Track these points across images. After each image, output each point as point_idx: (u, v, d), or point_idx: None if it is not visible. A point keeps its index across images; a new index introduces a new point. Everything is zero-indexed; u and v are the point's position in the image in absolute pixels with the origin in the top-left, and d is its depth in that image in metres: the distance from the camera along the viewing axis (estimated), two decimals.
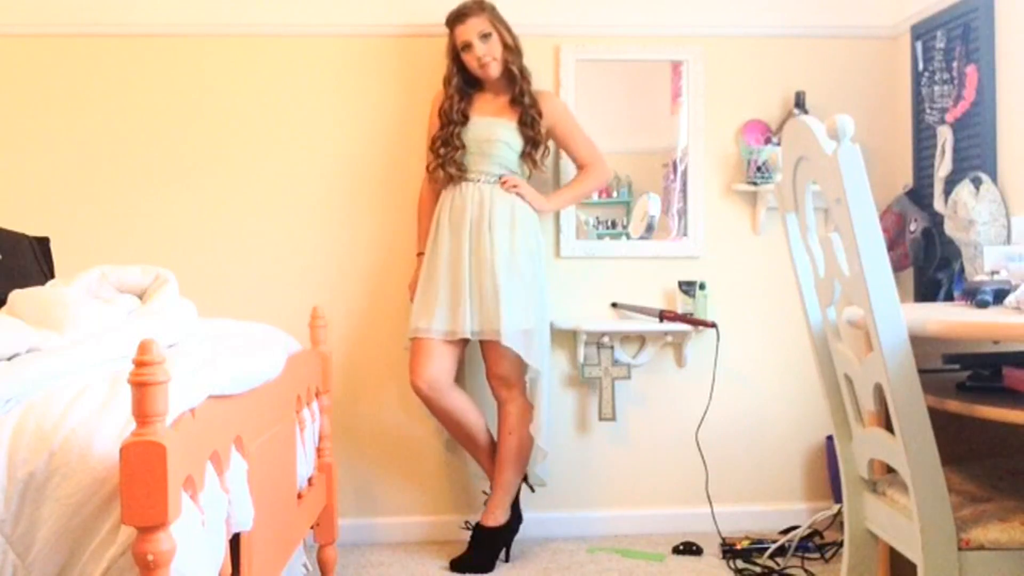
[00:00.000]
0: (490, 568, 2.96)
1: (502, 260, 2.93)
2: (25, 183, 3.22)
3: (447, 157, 3.01)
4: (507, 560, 3.03)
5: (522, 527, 3.11)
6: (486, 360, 3.03)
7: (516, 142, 3.04)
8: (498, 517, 3.02)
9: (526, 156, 3.06)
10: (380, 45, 3.30)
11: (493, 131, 3.02)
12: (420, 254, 3.12)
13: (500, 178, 3.03)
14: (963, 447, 2.15)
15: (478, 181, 3.01)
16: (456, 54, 3.04)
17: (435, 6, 3.24)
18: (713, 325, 3.23)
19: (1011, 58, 2.82)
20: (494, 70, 3.02)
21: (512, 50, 3.04)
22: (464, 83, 3.08)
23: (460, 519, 3.25)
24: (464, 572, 2.95)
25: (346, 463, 3.25)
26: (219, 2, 3.25)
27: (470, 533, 3.06)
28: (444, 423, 3.06)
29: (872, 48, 3.42)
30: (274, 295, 3.26)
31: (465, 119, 3.03)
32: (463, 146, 3.02)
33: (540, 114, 3.05)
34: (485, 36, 2.98)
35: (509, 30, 3.04)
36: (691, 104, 3.36)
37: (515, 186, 3.02)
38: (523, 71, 3.06)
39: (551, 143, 3.19)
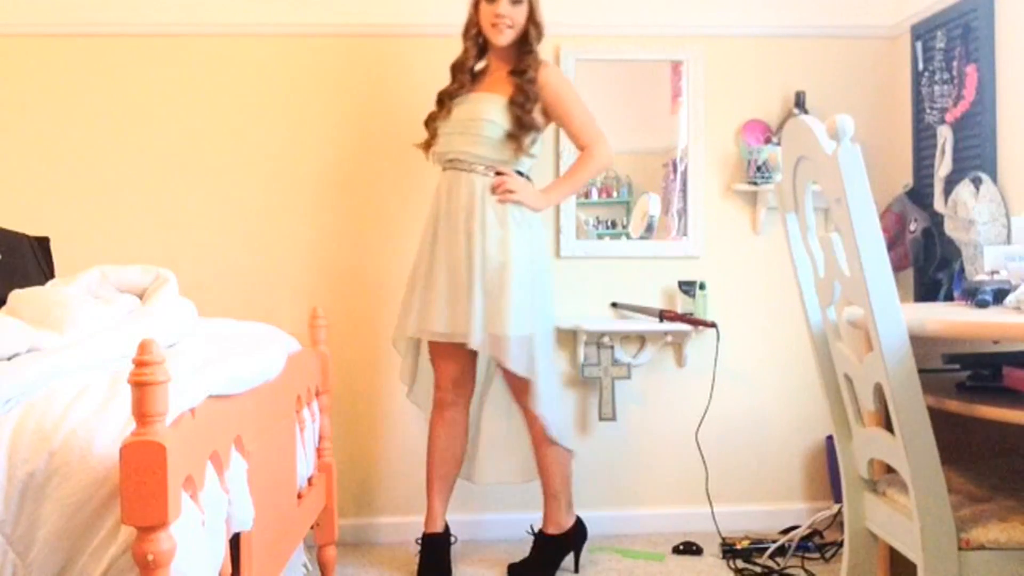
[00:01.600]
0: None
1: (490, 259, 2.73)
2: (25, 183, 3.22)
3: (430, 139, 2.88)
4: (576, 571, 2.94)
5: (523, 527, 3.11)
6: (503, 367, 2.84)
7: (503, 120, 2.77)
8: (561, 524, 2.92)
9: (509, 138, 2.77)
10: (380, 45, 3.30)
11: (478, 108, 2.79)
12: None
13: (492, 170, 2.79)
14: (963, 447, 2.15)
15: (469, 170, 2.79)
16: (474, 30, 2.86)
17: (433, 6, 3.24)
18: (713, 325, 3.23)
19: (1011, 58, 2.82)
20: (506, 36, 2.79)
21: (538, 26, 2.83)
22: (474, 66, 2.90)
23: (460, 519, 3.25)
24: None
25: (346, 463, 3.25)
26: (219, 2, 3.25)
27: (532, 538, 2.98)
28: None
29: (872, 48, 3.43)
30: (274, 295, 3.26)
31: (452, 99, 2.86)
32: (440, 128, 2.84)
33: (538, 94, 2.80)
34: (516, 1, 2.78)
35: (539, 9, 2.84)
36: (691, 104, 3.36)
37: (508, 192, 2.76)
38: (534, 50, 2.82)
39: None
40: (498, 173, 2.80)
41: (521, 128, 2.77)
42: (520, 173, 2.85)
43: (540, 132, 2.86)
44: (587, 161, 2.86)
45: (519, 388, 2.82)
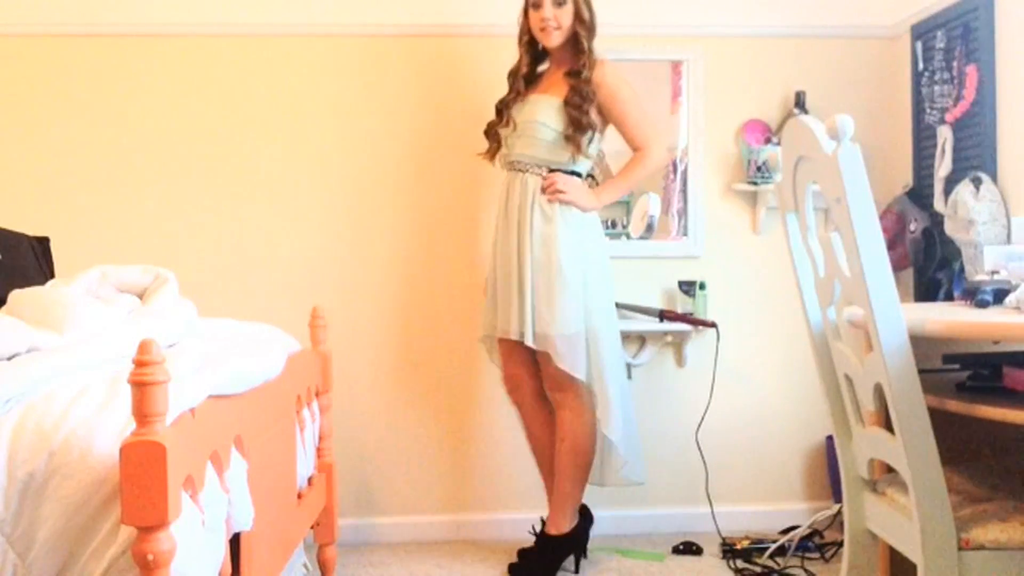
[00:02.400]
0: None
1: (536, 257, 2.78)
2: (25, 183, 3.22)
3: (492, 144, 2.95)
4: (576, 572, 2.93)
5: (523, 527, 3.11)
6: (539, 361, 2.87)
7: (556, 122, 2.81)
8: (560, 525, 2.91)
9: (568, 140, 2.79)
10: (383, 45, 3.30)
11: (534, 110, 2.84)
12: None
13: (548, 169, 2.84)
14: (963, 447, 2.15)
15: (525, 171, 2.86)
16: (526, 37, 2.91)
17: (442, 6, 3.24)
18: (713, 325, 3.23)
19: (1011, 58, 2.82)
20: (555, 38, 2.82)
21: (585, 24, 2.83)
22: (531, 71, 2.96)
23: (460, 519, 3.25)
24: None
25: (346, 463, 3.24)
26: (219, 2, 3.25)
27: (534, 538, 2.97)
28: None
29: (872, 48, 3.42)
30: (274, 295, 3.26)
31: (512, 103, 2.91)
32: (504, 134, 2.89)
33: (594, 94, 2.81)
34: (560, 2, 2.80)
35: (589, 5, 2.85)
36: (691, 104, 3.36)
37: (558, 193, 2.79)
38: (587, 49, 2.82)
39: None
40: (551, 171, 2.84)
41: (577, 129, 2.78)
42: (577, 174, 2.87)
43: (597, 132, 2.86)
44: (641, 161, 2.87)
45: (559, 383, 2.83)
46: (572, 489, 2.90)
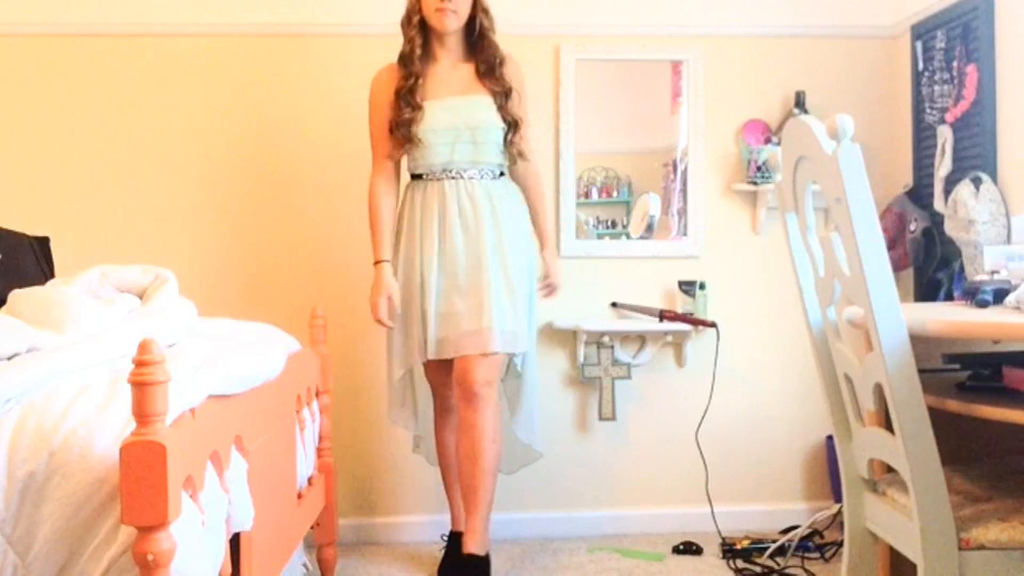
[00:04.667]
0: None
1: (512, 263, 2.70)
2: (25, 183, 3.22)
3: (413, 146, 2.70)
4: None
5: (522, 527, 3.11)
6: (460, 364, 2.67)
7: (500, 124, 2.71)
8: (487, 542, 2.69)
9: (509, 144, 2.73)
10: (384, 45, 3.29)
11: (477, 114, 2.69)
12: (381, 262, 2.77)
13: (495, 173, 2.74)
14: (963, 447, 2.15)
15: (472, 178, 2.72)
16: (416, 17, 2.70)
17: None
18: (713, 325, 3.23)
19: (1011, 58, 2.82)
20: (452, 23, 2.65)
21: (489, 16, 2.72)
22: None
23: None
24: None
25: (346, 463, 3.24)
26: (219, 2, 3.25)
27: (444, 549, 2.89)
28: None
29: (872, 48, 3.42)
30: (274, 295, 3.26)
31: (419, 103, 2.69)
32: (429, 140, 2.69)
33: (509, 92, 2.71)
34: None
35: None
36: (691, 104, 3.36)
37: (554, 290, 2.91)
38: (495, 42, 2.72)
39: None
40: (500, 175, 2.78)
41: (515, 127, 2.73)
42: (503, 173, 2.80)
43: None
44: (539, 185, 2.90)
45: (486, 382, 2.65)
46: (492, 495, 2.71)
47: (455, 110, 2.70)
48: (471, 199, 2.70)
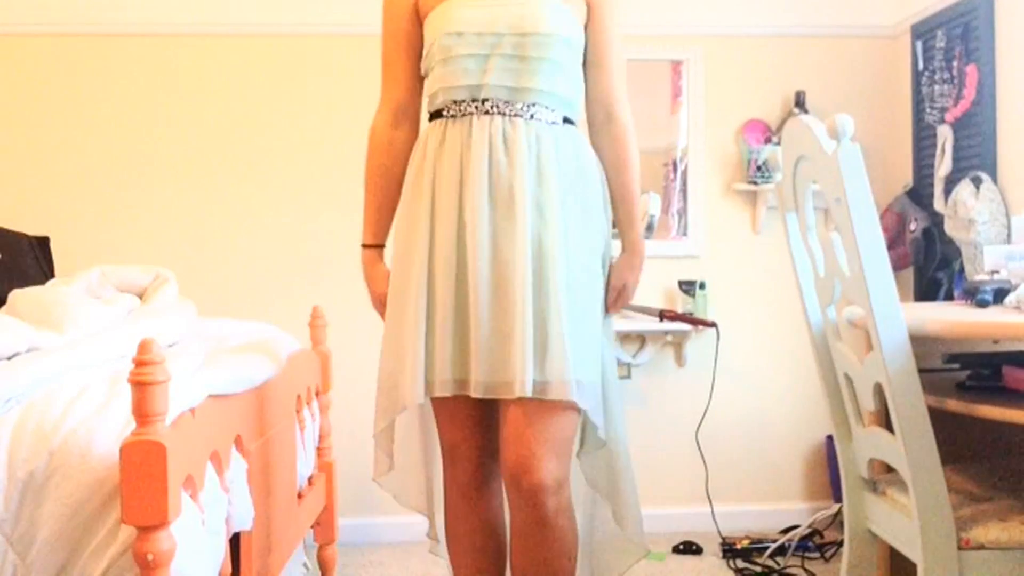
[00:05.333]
0: None
1: (556, 257, 1.72)
2: (25, 183, 3.21)
3: (447, 70, 1.76)
4: None
5: None
6: (509, 429, 1.72)
7: (568, 31, 1.77)
8: None
9: (590, 81, 1.86)
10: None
11: (530, 10, 1.73)
12: (376, 247, 1.94)
13: (555, 116, 1.78)
14: (963, 447, 2.15)
15: (512, 115, 1.75)
16: None
17: None
18: (713, 324, 3.23)
19: (1011, 58, 2.82)
20: None
21: None
22: None
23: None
24: None
25: (346, 463, 3.24)
26: (219, 2, 3.25)
27: None
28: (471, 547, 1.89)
29: (872, 48, 3.42)
30: (274, 295, 3.26)
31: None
32: (456, 51, 1.75)
33: None
34: None
35: None
36: (691, 104, 3.36)
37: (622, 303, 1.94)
38: None
39: None
40: (566, 120, 1.83)
41: (601, 47, 1.86)
42: (570, 121, 1.86)
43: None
44: (632, 151, 1.99)
45: (555, 469, 1.73)
46: None
47: (496, 7, 1.75)
48: (508, 148, 1.74)
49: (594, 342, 1.77)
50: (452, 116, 1.78)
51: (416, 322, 1.72)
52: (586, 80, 1.85)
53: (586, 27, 1.83)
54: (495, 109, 1.74)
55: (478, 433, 1.83)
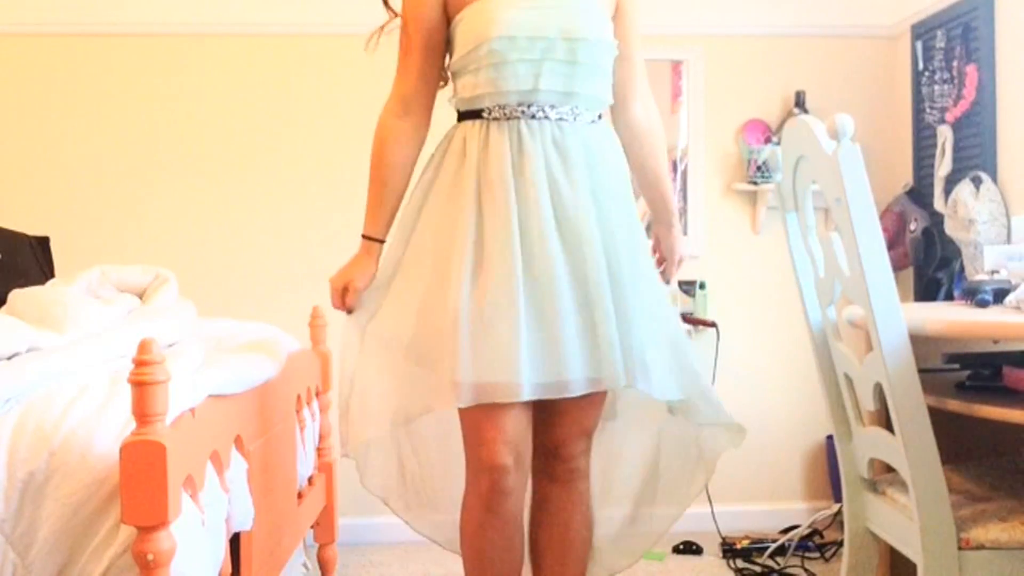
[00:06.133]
0: None
1: (620, 252, 1.78)
2: (25, 183, 3.22)
3: (470, 62, 1.75)
4: None
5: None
6: (560, 410, 1.79)
7: (611, 37, 1.81)
8: None
9: (621, 76, 1.89)
10: (384, 44, 3.29)
11: (579, 18, 1.74)
12: (371, 240, 1.94)
13: (594, 115, 1.82)
14: (963, 447, 2.15)
15: (559, 119, 1.76)
16: None
17: None
18: (713, 324, 3.23)
19: (1011, 58, 2.82)
20: None
21: None
22: None
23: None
24: None
25: (346, 463, 3.23)
26: (220, 2, 3.25)
27: None
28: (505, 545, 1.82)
29: (872, 48, 3.42)
30: (274, 295, 3.26)
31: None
32: (506, 55, 1.71)
33: None
34: None
35: None
36: (691, 104, 3.36)
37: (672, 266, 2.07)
38: None
39: None
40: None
41: (630, 46, 1.91)
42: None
43: None
44: (658, 139, 1.97)
45: (589, 436, 1.89)
46: None
47: (545, 9, 1.73)
48: (561, 153, 1.75)
49: (671, 324, 1.87)
50: (495, 119, 1.76)
51: (513, 317, 1.65)
52: (613, 73, 1.85)
53: (613, 19, 1.86)
54: (541, 113, 1.75)
55: (528, 438, 1.79)
